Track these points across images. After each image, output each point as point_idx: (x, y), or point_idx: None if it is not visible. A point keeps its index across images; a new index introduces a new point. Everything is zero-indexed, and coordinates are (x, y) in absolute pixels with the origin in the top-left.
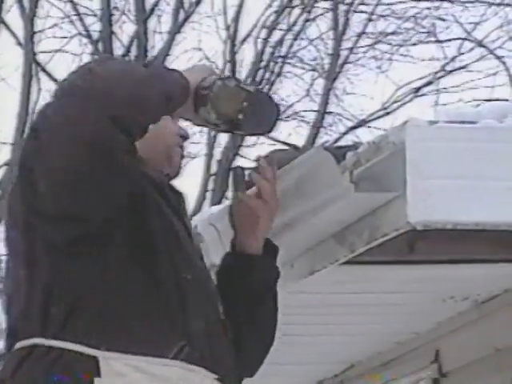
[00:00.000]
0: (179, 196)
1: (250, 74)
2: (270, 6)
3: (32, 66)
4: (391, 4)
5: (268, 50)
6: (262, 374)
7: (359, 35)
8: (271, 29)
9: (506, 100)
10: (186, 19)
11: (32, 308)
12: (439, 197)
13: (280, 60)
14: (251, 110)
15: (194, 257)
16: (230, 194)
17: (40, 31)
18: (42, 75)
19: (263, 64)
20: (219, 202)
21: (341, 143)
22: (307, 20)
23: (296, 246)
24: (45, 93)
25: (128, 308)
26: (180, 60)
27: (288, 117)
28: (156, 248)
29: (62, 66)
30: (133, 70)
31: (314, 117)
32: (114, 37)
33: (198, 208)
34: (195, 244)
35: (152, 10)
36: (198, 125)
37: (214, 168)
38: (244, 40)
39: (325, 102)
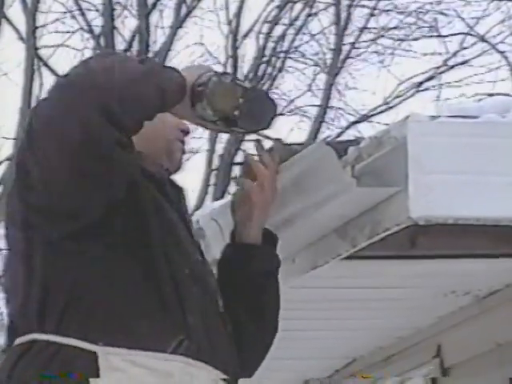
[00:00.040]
0: (179, 191)
1: (252, 69)
2: (271, 0)
3: (34, 60)
4: None
5: (270, 44)
6: (264, 368)
7: (361, 30)
8: (273, 23)
9: (508, 95)
10: (187, 14)
11: (30, 304)
12: (441, 192)
13: (282, 55)
14: (247, 106)
15: (192, 252)
16: (231, 188)
17: (42, 26)
18: (43, 70)
19: (265, 59)
20: (221, 197)
21: (343, 138)
22: (309, 15)
23: (298, 241)
24: (47, 88)
25: (125, 303)
26: (182, 55)
27: (290, 112)
28: (153, 243)
29: (64, 61)
30: (128, 66)
31: (315, 112)
32: (115, 32)
33: (200, 203)
34: (195, 239)
35: (154, 5)
36: (197, 124)
37: (215, 163)
38: (246, 35)
39: (327, 96)
